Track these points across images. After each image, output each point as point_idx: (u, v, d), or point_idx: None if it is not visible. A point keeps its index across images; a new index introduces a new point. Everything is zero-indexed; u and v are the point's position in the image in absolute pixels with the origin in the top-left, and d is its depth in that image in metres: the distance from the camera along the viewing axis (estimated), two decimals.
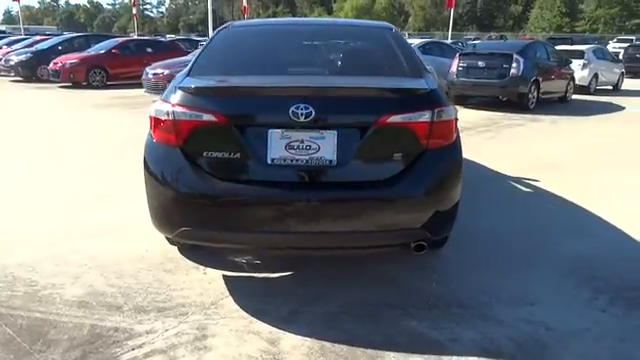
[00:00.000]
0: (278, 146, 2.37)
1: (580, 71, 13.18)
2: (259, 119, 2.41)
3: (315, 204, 2.38)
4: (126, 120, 8.77)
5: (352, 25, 4.08)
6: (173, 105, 2.42)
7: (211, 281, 2.90)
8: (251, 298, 2.70)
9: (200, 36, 37.01)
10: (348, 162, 2.37)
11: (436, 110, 2.42)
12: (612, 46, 28.15)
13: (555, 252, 3.37)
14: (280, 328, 2.44)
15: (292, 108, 2.31)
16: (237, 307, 2.62)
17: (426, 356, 2.24)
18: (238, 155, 2.39)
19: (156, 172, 2.51)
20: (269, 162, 2.38)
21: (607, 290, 2.87)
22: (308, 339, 2.35)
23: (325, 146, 2.37)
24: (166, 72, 10.95)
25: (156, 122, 2.50)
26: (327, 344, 2.32)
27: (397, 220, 2.42)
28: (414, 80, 2.67)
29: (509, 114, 9.84)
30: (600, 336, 2.44)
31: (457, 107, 2.80)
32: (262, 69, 2.91)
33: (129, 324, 2.45)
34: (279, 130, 2.37)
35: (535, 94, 10.47)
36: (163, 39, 23.56)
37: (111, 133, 7.66)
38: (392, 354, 2.25)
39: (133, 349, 2.26)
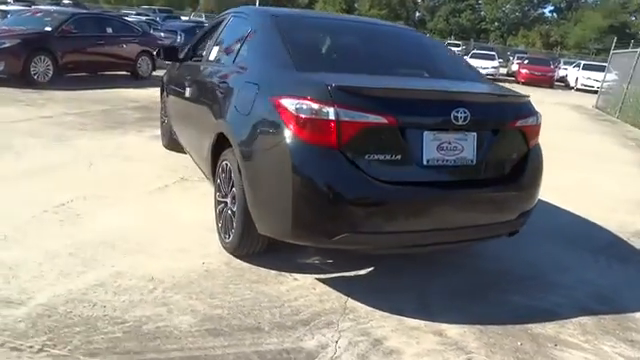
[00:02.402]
0: (431, 147, 2.46)
1: None
2: (421, 121, 2.45)
3: (463, 201, 2.55)
4: None
5: (393, 26, 4.14)
6: (336, 105, 2.28)
7: (313, 286, 2.80)
8: (369, 297, 2.71)
9: None
10: (482, 161, 2.61)
11: (536, 115, 2.82)
12: None
13: (540, 225, 4.09)
14: (430, 320, 2.55)
15: (453, 112, 2.43)
16: (369, 308, 2.62)
17: (555, 322, 2.66)
18: (399, 157, 2.40)
19: (311, 176, 2.33)
20: (425, 163, 2.46)
21: (596, 251, 3.71)
22: (465, 325, 2.53)
23: (467, 147, 2.55)
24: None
25: (305, 122, 2.31)
26: (479, 326, 2.54)
27: (513, 210, 2.75)
28: (493, 86, 3.01)
29: None
30: (629, 285, 3.21)
31: None
32: (364, 67, 2.87)
33: (292, 343, 2.26)
34: (432, 132, 2.46)
35: None
36: None
37: None
38: (532, 325, 2.60)
39: None
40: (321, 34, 3.22)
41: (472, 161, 2.57)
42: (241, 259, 3.00)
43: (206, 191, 4.18)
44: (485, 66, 24.02)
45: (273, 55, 2.81)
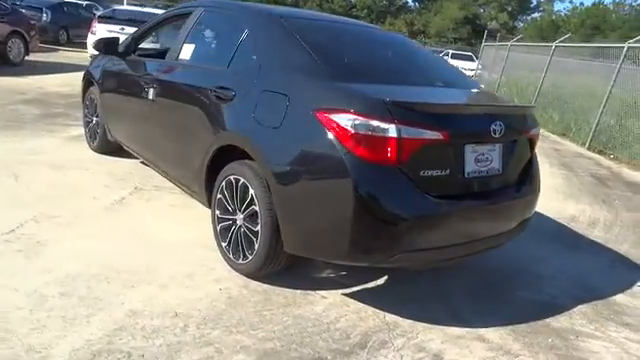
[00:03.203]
0: (470, 160, 2.52)
1: None
2: (467, 135, 2.48)
3: (495, 209, 2.65)
4: None
5: (378, 29, 3.97)
6: (396, 121, 2.21)
7: (345, 303, 2.72)
8: (401, 308, 2.70)
9: None
10: (505, 170, 2.73)
11: (538, 125, 3.01)
12: None
13: None
14: (467, 327, 2.63)
15: (492, 125, 2.50)
16: (409, 320, 2.62)
17: (563, 314, 2.91)
18: (447, 171, 2.41)
19: (373, 196, 2.24)
20: (466, 175, 2.50)
21: (553, 240, 4.12)
22: (498, 328, 2.66)
23: (495, 157, 2.65)
24: None
25: (364, 139, 2.22)
26: (509, 327, 2.69)
27: (527, 213, 2.93)
28: (501, 96, 3.15)
29: None
30: (592, 270, 3.63)
31: None
32: (387, 77, 2.81)
33: None
34: (471, 145, 2.51)
35: None
36: None
37: None
38: (547, 320, 2.82)
39: None
40: (331, 38, 3.07)
41: (499, 170, 2.68)
42: (258, 280, 2.80)
43: (172, 202, 3.84)
44: None
45: (297, 62, 2.62)
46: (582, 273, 3.54)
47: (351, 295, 2.81)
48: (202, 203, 3.24)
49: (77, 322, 2.27)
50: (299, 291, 2.77)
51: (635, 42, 8.78)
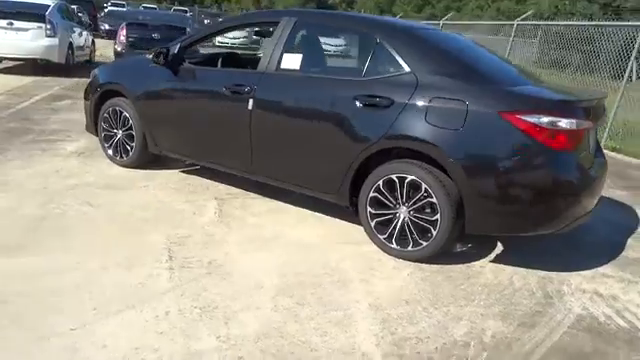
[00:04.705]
0: (591, 140, 3.25)
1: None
2: (595, 121, 3.17)
3: (598, 181, 3.40)
4: None
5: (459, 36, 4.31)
6: (573, 117, 2.82)
7: (501, 269, 3.26)
8: (541, 264, 3.32)
9: None
10: (591, 147, 3.51)
11: None
12: None
13: None
14: (588, 270, 3.35)
15: (604, 112, 3.26)
16: (554, 273, 3.24)
17: (627, 248, 3.82)
18: (587, 151, 3.11)
19: (563, 177, 2.89)
20: (590, 152, 3.23)
21: None
22: (605, 265, 3.45)
23: (591, 140, 3.41)
24: None
25: (553, 133, 2.80)
26: (610, 263, 3.50)
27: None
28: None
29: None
30: (607, 211, 4.68)
31: None
32: (513, 79, 3.35)
33: (570, 313, 2.81)
34: (593, 129, 3.24)
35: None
36: None
37: None
38: (624, 254, 3.70)
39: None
40: (456, 47, 3.51)
41: (592, 149, 3.45)
42: (423, 263, 3.22)
43: (263, 207, 4.00)
44: (237, 36, 24.29)
45: (458, 71, 3.05)
46: (604, 215, 4.51)
47: (497, 261, 3.38)
48: (339, 202, 3.49)
49: (347, 322, 2.51)
50: (459, 265, 3.26)
51: (521, 20, 10.48)
